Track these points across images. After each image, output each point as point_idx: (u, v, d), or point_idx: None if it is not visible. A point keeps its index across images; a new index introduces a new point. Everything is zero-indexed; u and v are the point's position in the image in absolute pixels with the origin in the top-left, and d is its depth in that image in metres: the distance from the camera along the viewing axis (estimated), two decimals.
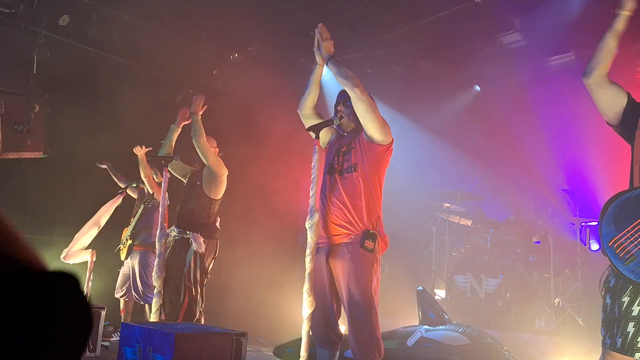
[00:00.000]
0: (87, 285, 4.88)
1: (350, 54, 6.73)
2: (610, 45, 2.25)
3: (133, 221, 5.31)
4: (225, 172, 4.28)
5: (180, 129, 4.48)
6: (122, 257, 5.33)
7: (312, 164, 3.03)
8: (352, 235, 2.91)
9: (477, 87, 6.95)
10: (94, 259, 4.95)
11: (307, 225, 2.91)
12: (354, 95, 2.93)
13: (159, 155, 4.36)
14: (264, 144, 7.29)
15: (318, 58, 3.21)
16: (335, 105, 3.19)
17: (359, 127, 3.07)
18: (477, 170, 6.71)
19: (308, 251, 2.88)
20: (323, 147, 3.23)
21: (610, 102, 2.29)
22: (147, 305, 5.18)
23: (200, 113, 4.25)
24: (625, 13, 2.24)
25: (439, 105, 6.94)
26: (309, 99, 3.26)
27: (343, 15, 5.82)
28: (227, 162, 4.46)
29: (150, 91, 6.31)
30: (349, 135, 3.15)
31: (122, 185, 5.47)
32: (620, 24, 2.25)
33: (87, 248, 5.02)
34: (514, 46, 5.89)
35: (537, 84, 6.33)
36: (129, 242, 5.27)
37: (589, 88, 2.29)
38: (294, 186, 7.22)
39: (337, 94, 3.24)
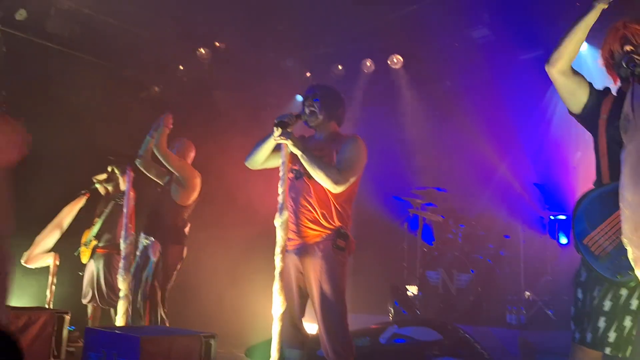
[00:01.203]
0: (50, 290, 4.71)
1: (320, 49, 6.68)
2: (579, 36, 2.22)
3: (99, 221, 5.12)
4: (195, 177, 4.18)
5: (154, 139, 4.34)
6: (84, 259, 5.13)
7: (281, 161, 2.96)
8: (323, 235, 2.91)
9: (447, 82, 6.98)
10: (57, 263, 4.78)
11: (276, 223, 2.85)
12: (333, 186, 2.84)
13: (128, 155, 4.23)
14: (231, 141, 7.17)
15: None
16: (304, 100, 3.13)
17: (327, 123, 3.06)
18: (448, 165, 6.74)
19: (278, 250, 2.82)
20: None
21: (574, 92, 2.28)
22: (112, 309, 5.02)
23: (168, 128, 4.11)
24: (600, 5, 2.17)
25: (409, 100, 6.95)
26: (258, 157, 3.12)
27: (312, 10, 5.75)
28: (198, 161, 4.36)
29: (113, 87, 6.14)
30: (318, 135, 3.10)
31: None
32: (592, 16, 2.19)
33: (49, 251, 4.84)
34: (483, 41, 5.93)
35: (506, 79, 6.38)
36: (94, 243, 5.08)
37: (552, 77, 2.27)
38: (263, 184, 7.13)
39: (306, 90, 3.18)
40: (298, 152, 2.86)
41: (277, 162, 3.05)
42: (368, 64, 6.72)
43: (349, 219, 2.99)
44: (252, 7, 5.76)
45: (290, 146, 2.87)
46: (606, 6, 2.17)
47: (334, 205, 2.93)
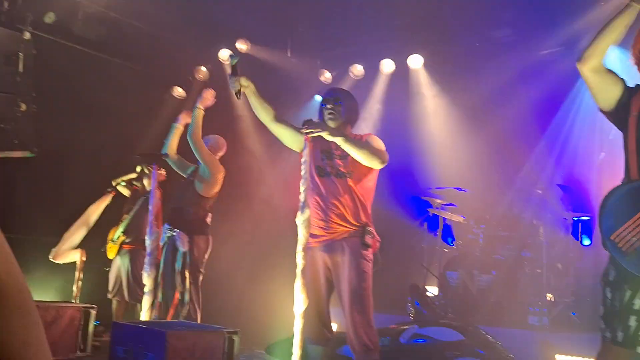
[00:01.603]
0: (77, 285, 4.82)
1: (341, 49, 6.71)
2: (614, 35, 2.19)
3: (127, 218, 5.21)
4: (220, 172, 4.25)
5: (182, 128, 4.43)
6: (111, 255, 5.24)
7: (302, 160, 3.00)
8: (351, 231, 2.97)
9: (468, 82, 6.93)
10: (84, 259, 4.89)
11: (298, 221, 2.89)
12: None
13: (155, 153, 4.31)
14: (252, 139, 7.25)
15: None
16: (324, 103, 3.15)
17: (344, 126, 3.11)
18: (468, 164, 6.70)
19: (299, 247, 2.86)
20: (299, 150, 3.16)
21: (606, 89, 2.25)
22: (138, 304, 5.12)
23: (204, 107, 4.19)
24: (637, 5, 2.15)
25: (430, 100, 6.93)
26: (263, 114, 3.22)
27: (334, 10, 5.79)
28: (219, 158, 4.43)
29: (138, 88, 6.25)
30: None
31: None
32: (628, 16, 2.17)
33: (76, 247, 4.95)
34: (505, 40, 5.89)
35: (529, 78, 6.32)
36: (122, 239, 5.18)
37: (583, 75, 2.24)
38: (285, 182, 7.18)
39: (326, 92, 3.22)
40: (338, 139, 2.92)
41: (297, 145, 3.15)
42: (356, 70, 6.74)
43: (370, 217, 3.07)
44: (272, 7, 5.82)
45: (327, 136, 2.92)
46: (637, 11, 2.14)
47: (361, 202, 3.00)
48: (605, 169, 5.77)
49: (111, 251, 5.23)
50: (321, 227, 2.99)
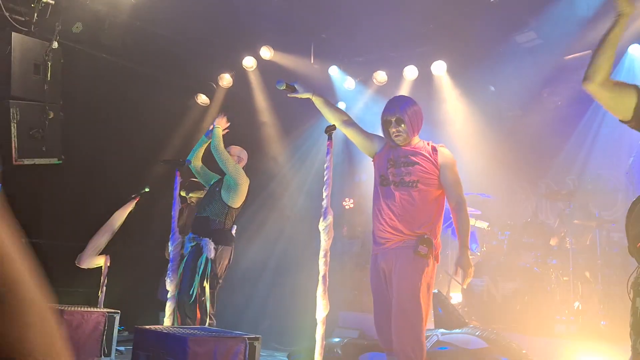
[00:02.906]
0: (102, 290, 4.88)
1: (364, 56, 6.70)
2: (611, 50, 2.18)
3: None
4: (245, 182, 4.28)
5: (209, 141, 4.48)
6: None
7: (325, 165, 3.01)
8: (405, 240, 2.91)
9: (492, 88, 6.86)
10: (108, 264, 4.96)
11: (320, 227, 2.89)
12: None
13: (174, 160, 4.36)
14: (279, 146, 7.27)
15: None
16: (386, 125, 3.07)
17: (413, 141, 3.08)
18: (492, 172, 6.61)
19: (322, 253, 2.85)
20: (370, 157, 3.22)
21: (620, 100, 2.21)
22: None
23: (223, 128, 4.24)
24: (623, 19, 2.17)
25: (454, 105, 6.87)
26: (330, 118, 3.26)
27: (355, 17, 5.79)
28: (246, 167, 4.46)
29: (163, 96, 6.33)
30: (405, 147, 3.08)
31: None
32: (618, 29, 2.17)
33: (101, 253, 5.03)
34: (529, 45, 5.81)
35: (554, 83, 6.22)
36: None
37: (593, 93, 2.20)
38: (306, 189, 7.19)
39: (385, 108, 3.13)
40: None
41: (367, 151, 3.18)
42: (379, 76, 6.72)
43: (436, 225, 3.00)
44: (295, 15, 5.85)
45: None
46: (627, 18, 2.14)
47: (420, 212, 2.93)
48: (635, 174, 5.64)
49: None
50: (380, 236, 2.99)
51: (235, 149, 4.47)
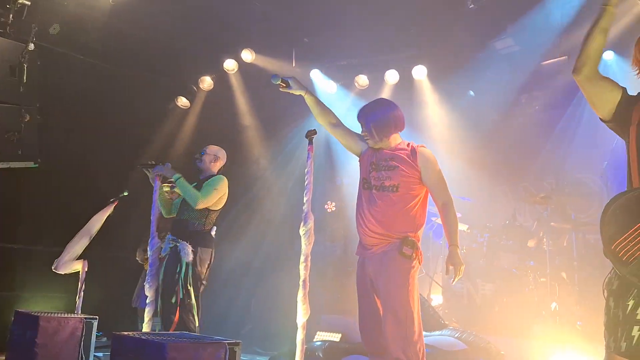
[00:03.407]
0: (79, 295, 4.81)
1: (345, 60, 6.73)
2: (598, 41, 2.21)
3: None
4: (223, 182, 4.24)
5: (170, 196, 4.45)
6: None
7: (306, 170, 3.01)
8: (390, 243, 2.92)
9: (472, 93, 6.95)
10: (86, 269, 4.88)
11: (301, 232, 2.89)
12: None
13: (149, 163, 4.29)
14: (261, 150, 7.26)
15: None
16: (360, 127, 3.18)
17: (387, 140, 3.07)
18: (472, 175, 6.69)
19: (302, 258, 2.85)
20: (357, 157, 3.24)
21: (603, 97, 2.25)
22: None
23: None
24: (610, 8, 2.19)
25: (434, 110, 6.93)
26: (319, 117, 3.29)
27: (337, 22, 5.81)
28: (221, 172, 4.44)
29: (142, 98, 6.27)
30: (385, 149, 3.09)
31: None
32: (605, 20, 2.19)
33: (78, 258, 4.95)
34: (507, 51, 5.90)
35: (530, 89, 6.33)
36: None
37: (580, 84, 2.24)
38: (288, 193, 7.18)
39: (357, 114, 3.20)
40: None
41: (352, 147, 3.20)
42: (361, 80, 6.77)
43: (421, 227, 3.02)
44: (277, 18, 5.85)
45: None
46: (615, 9, 2.17)
47: (402, 214, 2.93)
48: (609, 177, 5.75)
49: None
50: (365, 242, 3.00)
51: (213, 148, 4.44)
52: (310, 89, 3.34)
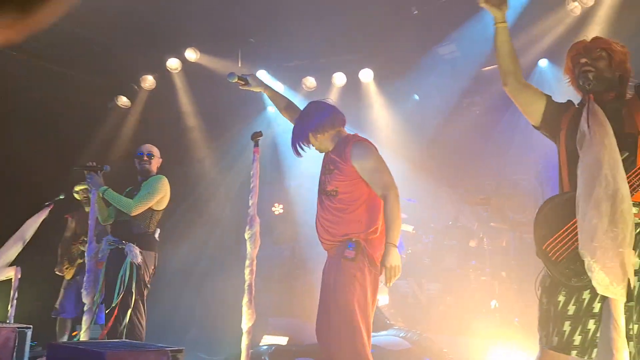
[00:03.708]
0: (12, 304, 4.57)
1: (293, 62, 6.72)
2: (506, 54, 2.37)
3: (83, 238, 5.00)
4: (162, 182, 4.12)
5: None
6: (68, 276, 5.03)
7: (251, 173, 2.97)
8: (335, 246, 2.85)
9: (416, 97, 7.10)
10: (19, 276, 4.64)
11: (246, 236, 2.85)
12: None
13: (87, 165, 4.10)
14: (200, 151, 7.13)
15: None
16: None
17: (326, 142, 2.98)
18: (416, 177, 6.84)
19: (247, 262, 2.81)
20: None
21: (530, 104, 2.39)
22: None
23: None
24: (499, 25, 2.35)
25: (380, 112, 7.04)
26: (284, 112, 3.25)
27: (284, 23, 5.79)
28: (166, 171, 4.32)
29: (81, 98, 6.04)
30: (330, 152, 3.00)
31: None
32: (501, 36, 2.36)
33: (11, 264, 4.70)
34: (450, 57, 6.07)
35: (472, 94, 6.54)
36: (79, 261, 4.96)
37: (510, 95, 2.40)
38: (234, 196, 7.10)
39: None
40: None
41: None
42: (308, 82, 6.82)
43: (372, 228, 2.83)
44: (222, 17, 5.76)
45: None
46: (505, 24, 2.34)
47: (345, 218, 2.83)
48: (544, 179, 6.02)
49: (69, 271, 5.03)
50: (323, 245, 2.96)
51: (153, 148, 4.31)
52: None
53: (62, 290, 5.09)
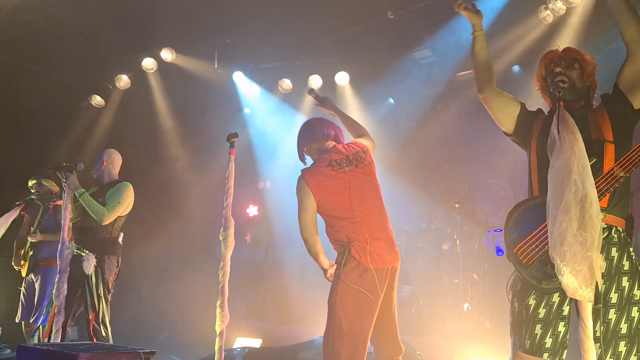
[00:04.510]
0: None
1: (269, 64, 6.71)
2: (482, 61, 2.45)
3: (32, 230, 4.89)
4: (128, 190, 4.06)
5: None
6: (24, 272, 4.91)
7: (226, 174, 2.96)
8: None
9: (391, 100, 7.16)
10: None
11: (220, 237, 2.84)
12: None
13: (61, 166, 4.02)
14: (172, 153, 7.06)
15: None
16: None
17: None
18: (390, 180, 6.89)
19: (221, 264, 2.80)
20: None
21: (504, 111, 2.45)
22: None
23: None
24: (476, 34, 2.45)
25: (356, 115, 7.07)
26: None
27: (260, 24, 5.78)
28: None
29: (53, 96, 5.92)
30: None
31: None
32: (478, 44, 2.45)
33: None
34: (425, 61, 6.14)
35: (446, 98, 6.63)
36: (30, 253, 4.85)
37: (484, 102, 2.47)
38: (209, 197, 7.05)
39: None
40: None
41: None
42: (285, 84, 6.85)
43: (335, 242, 2.89)
44: (199, 18, 5.73)
45: None
46: (482, 32, 2.44)
47: (327, 224, 2.91)
48: (516, 184, 6.14)
49: (25, 268, 4.90)
50: None
51: (108, 154, 4.27)
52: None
53: (21, 294, 4.94)
